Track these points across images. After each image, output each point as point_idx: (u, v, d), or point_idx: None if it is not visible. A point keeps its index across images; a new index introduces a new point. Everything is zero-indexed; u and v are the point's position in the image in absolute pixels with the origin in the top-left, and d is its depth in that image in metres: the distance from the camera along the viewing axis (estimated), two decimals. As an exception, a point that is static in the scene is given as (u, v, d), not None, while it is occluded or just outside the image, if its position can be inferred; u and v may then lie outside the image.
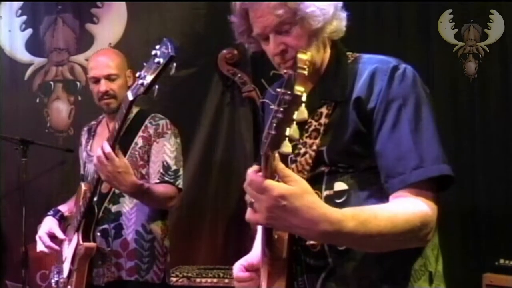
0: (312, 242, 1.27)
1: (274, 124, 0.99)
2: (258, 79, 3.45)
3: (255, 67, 3.47)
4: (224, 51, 3.43)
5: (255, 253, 1.45)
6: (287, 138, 0.98)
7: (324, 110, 1.30)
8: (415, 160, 1.20)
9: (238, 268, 1.40)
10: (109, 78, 2.38)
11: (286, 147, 0.99)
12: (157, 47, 1.79)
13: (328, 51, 1.37)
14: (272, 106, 1.01)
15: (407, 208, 1.17)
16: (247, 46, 1.42)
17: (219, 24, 3.53)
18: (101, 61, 2.42)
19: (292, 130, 0.98)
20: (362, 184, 1.26)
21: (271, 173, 1.04)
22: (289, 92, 0.99)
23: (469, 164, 3.26)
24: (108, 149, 2.07)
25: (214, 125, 3.51)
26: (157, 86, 1.86)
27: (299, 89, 0.99)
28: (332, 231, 1.06)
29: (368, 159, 1.26)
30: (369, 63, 1.31)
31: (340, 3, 1.32)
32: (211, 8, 3.52)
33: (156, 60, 1.78)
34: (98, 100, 2.42)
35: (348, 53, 1.38)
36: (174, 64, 1.78)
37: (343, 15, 1.33)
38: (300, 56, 1.02)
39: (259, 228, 1.55)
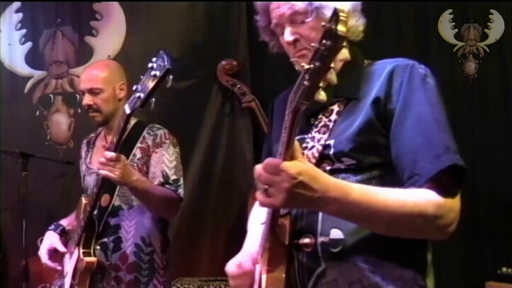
0: (305, 241, 1.27)
1: (308, 76, 1.01)
2: (257, 89, 3.45)
3: (255, 77, 3.48)
4: (223, 62, 3.44)
5: (246, 251, 1.46)
6: (320, 88, 1.00)
7: (335, 107, 1.32)
8: (442, 148, 1.21)
9: (231, 266, 1.42)
10: (91, 92, 2.37)
11: (321, 95, 1.01)
12: (154, 59, 1.80)
13: (344, 50, 1.38)
14: (303, 64, 1.03)
15: (419, 193, 1.18)
16: (270, 45, 1.46)
17: (218, 35, 3.57)
18: (88, 75, 2.42)
19: (330, 74, 1.00)
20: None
21: (294, 136, 1.09)
22: (330, 39, 0.98)
23: (470, 167, 3.23)
24: (111, 153, 2.09)
25: (214, 135, 3.52)
26: (154, 99, 1.86)
27: (342, 29, 0.98)
28: (338, 197, 1.11)
29: (373, 156, 1.26)
30: (387, 63, 1.33)
31: (359, 7, 1.37)
32: (210, 19, 3.54)
33: (153, 73, 1.78)
34: (86, 112, 2.44)
35: (364, 60, 1.41)
36: (171, 77, 1.78)
37: (361, 19, 1.38)
38: (340, 7, 1.02)
39: (251, 220, 1.59)
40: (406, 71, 1.28)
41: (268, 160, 1.10)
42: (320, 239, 1.26)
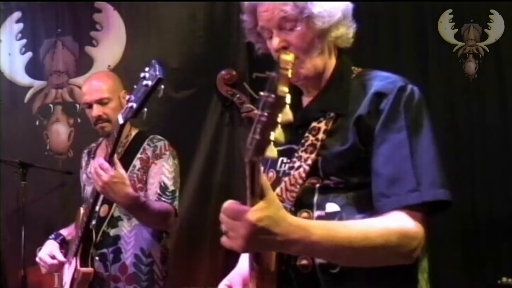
0: (303, 262, 1.26)
1: (259, 129, 0.97)
2: (256, 99, 3.45)
3: (254, 87, 3.49)
4: (223, 72, 3.45)
5: (238, 270, 1.45)
6: (272, 143, 0.97)
7: (322, 125, 1.29)
8: (412, 183, 1.20)
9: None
10: (100, 102, 2.37)
11: (271, 152, 0.98)
12: (146, 69, 1.79)
13: (333, 60, 1.37)
14: (255, 111, 1.00)
15: (385, 223, 1.17)
16: (256, 47, 1.43)
17: (218, 45, 3.58)
18: (92, 86, 2.41)
19: (277, 133, 0.97)
20: (354, 205, 1.25)
21: (257, 182, 1.05)
22: (272, 94, 0.96)
23: (469, 172, 3.22)
24: (101, 160, 2.07)
25: (214, 145, 3.51)
26: (146, 109, 1.85)
27: (282, 89, 0.95)
28: (299, 239, 1.09)
29: (360, 175, 1.25)
30: (375, 80, 1.31)
31: (349, 12, 1.33)
32: (210, 29, 3.55)
33: (144, 82, 1.77)
34: (93, 125, 2.42)
35: (353, 67, 1.38)
36: (162, 86, 1.77)
37: (352, 25, 1.34)
38: (284, 57, 0.99)
39: None
40: (392, 94, 1.25)
41: (229, 205, 1.08)
42: (318, 260, 1.24)
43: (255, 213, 1.04)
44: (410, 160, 1.21)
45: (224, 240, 1.11)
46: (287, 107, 0.96)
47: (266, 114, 0.96)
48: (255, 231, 1.04)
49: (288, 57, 0.99)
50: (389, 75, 1.32)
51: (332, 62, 1.37)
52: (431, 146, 1.24)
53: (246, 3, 1.36)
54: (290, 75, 0.98)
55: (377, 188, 1.23)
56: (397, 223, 1.18)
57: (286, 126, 0.98)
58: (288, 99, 0.96)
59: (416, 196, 1.19)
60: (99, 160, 2.09)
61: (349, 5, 1.33)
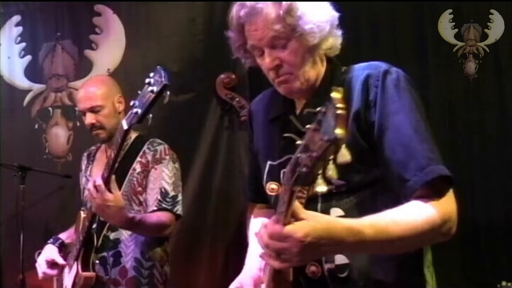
0: (312, 269, 1.27)
1: (306, 162, 0.95)
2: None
3: (253, 91, 3.49)
4: (222, 76, 3.45)
5: (248, 273, 1.45)
6: (319, 177, 0.97)
7: None
8: (425, 158, 1.21)
9: None
10: (93, 110, 2.38)
11: (320, 187, 0.99)
12: (151, 75, 1.79)
13: (324, 66, 1.38)
14: (298, 142, 0.99)
15: (425, 208, 1.18)
16: (244, 61, 1.43)
17: (217, 49, 3.58)
18: (85, 94, 2.42)
19: (330, 171, 0.97)
20: (358, 208, 1.26)
21: (292, 207, 1.05)
22: (328, 134, 0.91)
23: (468, 174, 3.21)
24: (98, 181, 2.05)
25: (213, 149, 3.51)
26: (151, 115, 1.85)
27: (340, 132, 0.90)
28: (354, 242, 1.10)
29: (361, 173, 1.26)
30: (360, 70, 1.32)
31: (336, 21, 1.34)
32: (209, 33, 3.56)
33: (150, 88, 1.77)
34: (90, 131, 2.43)
35: (342, 67, 1.39)
36: (168, 93, 1.77)
37: (339, 33, 1.35)
38: (336, 95, 0.93)
39: (250, 234, 1.56)
40: (378, 80, 1.27)
41: (271, 228, 1.08)
42: (326, 266, 1.26)
43: (300, 230, 1.05)
44: (415, 137, 1.22)
45: (277, 264, 1.10)
46: (343, 147, 0.96)
47: (317, 150, 0.93)
48: (306, 246, 1.05)
49: (339, 94, 0.94)
50: (370, 63, 1.34)
51: (323, 68, 1.38)
52: (426, 123, 1.26)
53: (234, 20, 1.34)
54: (344, 114, 0.92)
55: (395, 175, 1.23)
56: (435, 207, 1.18)
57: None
58: (344, 140, 0.92)
59: (431, 171, 1.19)
60: (97, 180, 2.06)
61: (334, 15, 1.34)
